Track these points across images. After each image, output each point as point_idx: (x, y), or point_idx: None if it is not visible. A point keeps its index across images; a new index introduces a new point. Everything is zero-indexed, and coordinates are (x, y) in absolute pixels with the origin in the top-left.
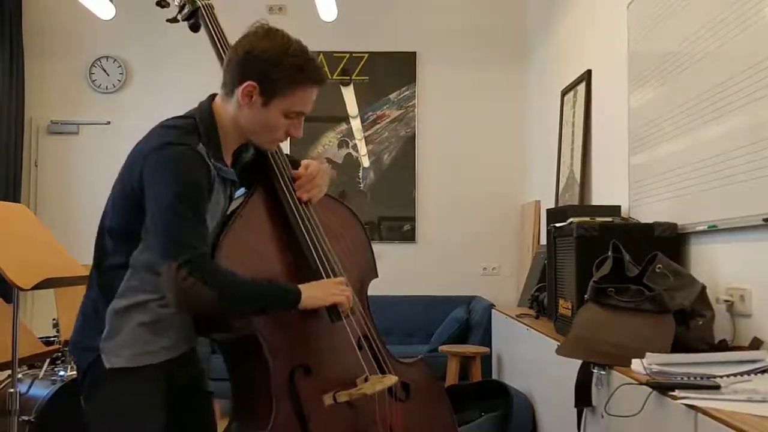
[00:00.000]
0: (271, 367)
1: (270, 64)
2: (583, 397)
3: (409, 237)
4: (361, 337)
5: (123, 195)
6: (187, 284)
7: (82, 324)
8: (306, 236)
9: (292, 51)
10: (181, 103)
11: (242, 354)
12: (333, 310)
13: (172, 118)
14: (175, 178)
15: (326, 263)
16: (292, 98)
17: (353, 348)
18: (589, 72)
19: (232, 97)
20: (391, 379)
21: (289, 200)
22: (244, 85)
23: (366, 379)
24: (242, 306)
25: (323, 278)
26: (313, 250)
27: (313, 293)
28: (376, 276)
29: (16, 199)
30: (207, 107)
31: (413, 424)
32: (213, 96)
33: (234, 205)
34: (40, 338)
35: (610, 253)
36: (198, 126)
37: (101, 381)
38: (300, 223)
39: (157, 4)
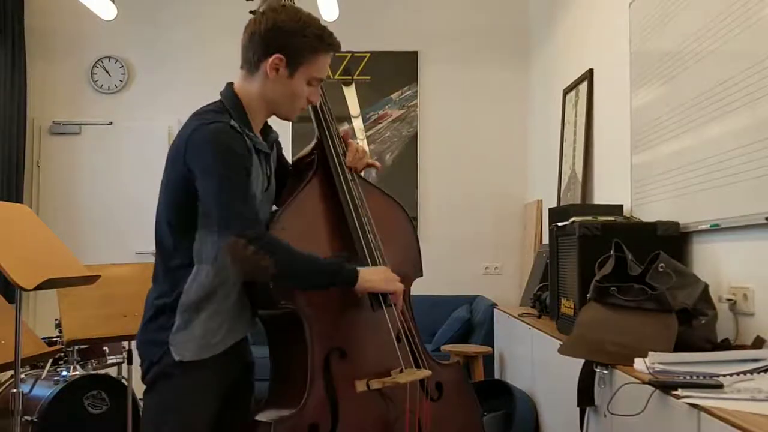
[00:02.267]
0: (308, 346)
1: (294, 35)
2: (585, 396)
3: None
4: (401, 331)
5: (169, 189)
6: (248, 253)
7: (151, 318)
8: (357, 226)
9: (310, 22)
10: (183, 103)
11: (283, 331)
12: (376, 299)
13: (202, 107)
14: (218, 153)
15: (374, 253)
16: (314, 65)
17: (392, 339)
18: (591, 71)
19: (256, 73)
20: (425, 373)
21: (345, 190)
22: (272, 58)
23: (401, 372)
24: (301, 276)
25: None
26: (362, 240)
27: (371, 277)
28: (421, 274)
29: (18, 199)
30: (229, 91)
31: (443, 424)
32: (231, 83)
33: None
34: (42, 338)
35: (612, 252)
36: (226, 106)
37: (170, 373)
38: (353, 212)
39: None
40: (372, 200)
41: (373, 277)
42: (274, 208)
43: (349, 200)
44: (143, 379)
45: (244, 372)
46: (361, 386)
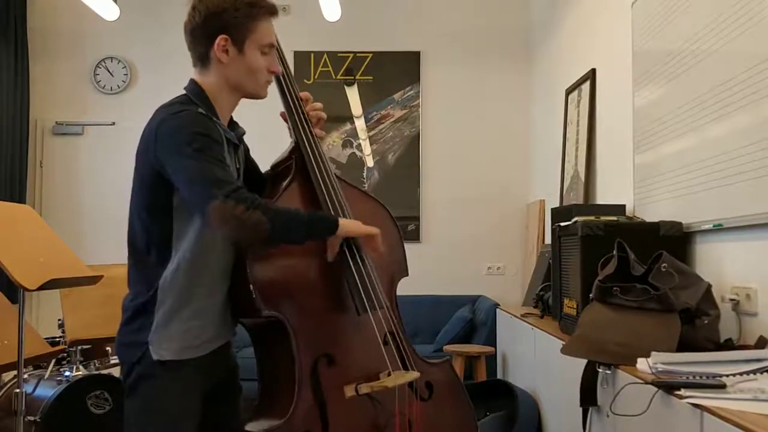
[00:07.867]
0: (295, 354)
1: (227, 12)
2: (588, 396)
3: (414, 237)
4: (387, 333)
5: (141, 185)
6: (239, 212)
7: (128, 320)
8: (323, 186)
9: None
10: None
11: (269, 340)
12: (359, 301)
13: (168, 101)
14: (187, 133)
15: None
16: (258, 33)
17: (378, 343)
18: (593, 71)
19: (209, 64)
20: (413, 375)
21: (321, 185)
22: (216, 41)
23: (389, 375)
24: (292, 229)
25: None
26: (329, 202)
27: (348, 223)
28: (407, 274)
29: (21, 199)
30: (192, 83)
31: (434, 423)
32: (193, 79)
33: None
34: (45, 339)
35: (615, 252)
36: (191, 98)
37: (149, 373)
38: (329, 204)
39: None
40: (356, 202)
41: (350, 223)
42: None
43: (326, 193)
44: (124, 382)
45: (229, 374)
46: (350, 391)
